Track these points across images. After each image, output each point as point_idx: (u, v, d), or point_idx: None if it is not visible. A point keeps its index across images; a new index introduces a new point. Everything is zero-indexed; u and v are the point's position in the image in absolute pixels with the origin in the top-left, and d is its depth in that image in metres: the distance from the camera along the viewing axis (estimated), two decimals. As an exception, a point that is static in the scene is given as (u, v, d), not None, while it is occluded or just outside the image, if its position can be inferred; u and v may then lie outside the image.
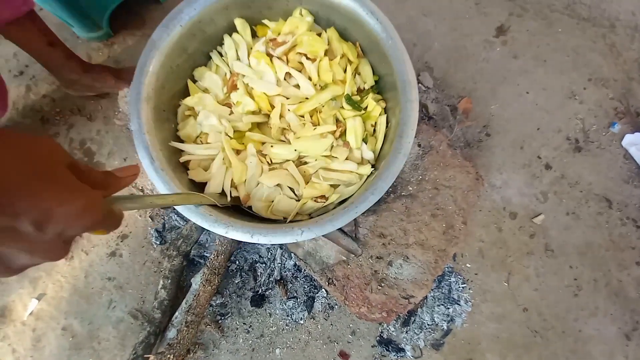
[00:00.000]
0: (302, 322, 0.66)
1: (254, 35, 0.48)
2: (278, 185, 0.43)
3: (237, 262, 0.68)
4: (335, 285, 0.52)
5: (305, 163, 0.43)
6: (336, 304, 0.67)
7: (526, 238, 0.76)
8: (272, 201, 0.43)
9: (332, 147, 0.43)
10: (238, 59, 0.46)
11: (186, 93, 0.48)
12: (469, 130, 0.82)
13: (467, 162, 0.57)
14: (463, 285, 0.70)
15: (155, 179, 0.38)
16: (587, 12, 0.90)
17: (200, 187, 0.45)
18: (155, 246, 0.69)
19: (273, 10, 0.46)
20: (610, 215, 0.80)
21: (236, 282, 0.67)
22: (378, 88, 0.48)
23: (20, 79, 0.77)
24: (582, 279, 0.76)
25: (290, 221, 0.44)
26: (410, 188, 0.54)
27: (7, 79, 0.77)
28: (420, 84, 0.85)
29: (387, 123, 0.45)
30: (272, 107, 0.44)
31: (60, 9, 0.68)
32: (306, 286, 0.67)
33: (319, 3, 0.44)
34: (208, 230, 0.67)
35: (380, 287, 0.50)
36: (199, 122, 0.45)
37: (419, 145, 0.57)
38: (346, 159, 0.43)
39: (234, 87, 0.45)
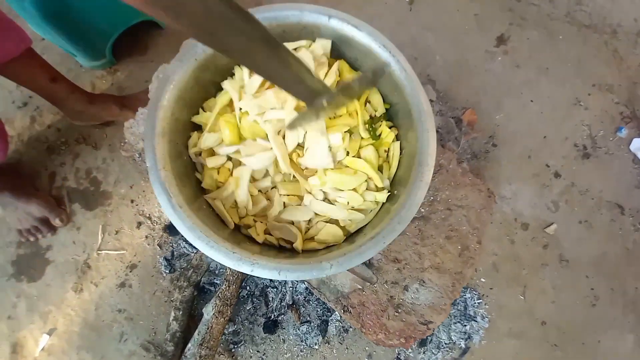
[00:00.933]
0: (316, 347, 0.65)
1: None
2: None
3: (248, 288, 0.67)
4: (350, 312, 0.51)
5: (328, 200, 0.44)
6: (351, 327, 0.65)
7: (540, 249, 0.75)
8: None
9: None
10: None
11: (196, 125, 0.48)
12: (475, 141, 0.82)
13: (478, 179, 0.56)
14: (479, 301, 0.69)
15: (173, 216, 0.37)
16: (588, 19, 0.90)
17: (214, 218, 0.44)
18: (164, 275, 0.68)
19: (287, 42, 0.46)
20: (623, 222, 0.79)
21: (248, 308, 0.66)
22: (388, 115, 0.48)
23: (24, 110, 0.77)
24: (598, 289, 0.75)
25: (308, 251, 0.43)
26: (423, 210, 0.53)
27: (11, 111, 0.77)
28: (423, 98, 0.85)
29: (401, 149, 0.45)
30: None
31: (63, 39, 0.68)
32: (319, 309, 0.66)
33: (330, 35, 0.44)
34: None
35: (397, 314, 0.49)
36: (204, 140, 0.45)
37: (429, 165, 0.57)
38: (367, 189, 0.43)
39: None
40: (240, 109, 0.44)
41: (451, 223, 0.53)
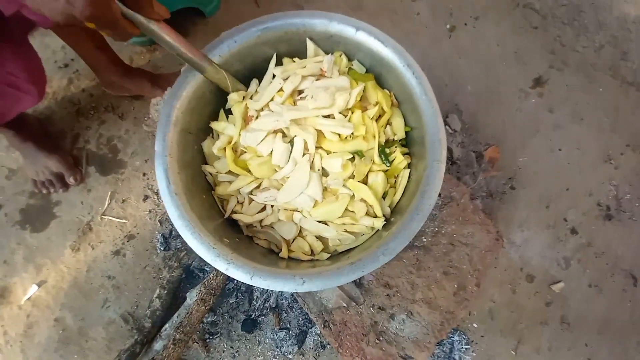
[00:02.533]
0: (290, 356, 0.63)
1: None
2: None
3: (235, 281, 0.67)
4: (330, 329, 0.49)
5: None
6: (329, 344, 0.64)
7: (542, 305, 0.71)
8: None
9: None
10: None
11: (214, 118, 0.49)
12: (493, 180, 0.79)
13: (488, 219, 0.54)
14: (467, 347, 0.66)
15: (167, 202, 0.38)
16: (632, 76, 0.87)
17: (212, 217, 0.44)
18: (159, 251, 0.69)
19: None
20: (634, 293, 0.74)
21: (231, 302, 0.66)
22: (404, 141, 0.47)
23: (64, 71, 0.81)
24: (596, 359, 0.70)
25: (293, 259, 0.42)
26: (425, 239, 0.51)
27: (51, 70, 0.82)
28: (447, 126, 0.83)
29: (409, 178, 0.44)
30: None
31: (112, 12, 0.71)
32: (300, 319, 0.65)
33: (356, 47, 0.44)
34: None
35: (378, 341, 0.48)
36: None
37: (439, 195, 0.55)
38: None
39: (250, 119, 0.44)
40: (241, 147, 0.43)
41: (452, 259, 0.51)
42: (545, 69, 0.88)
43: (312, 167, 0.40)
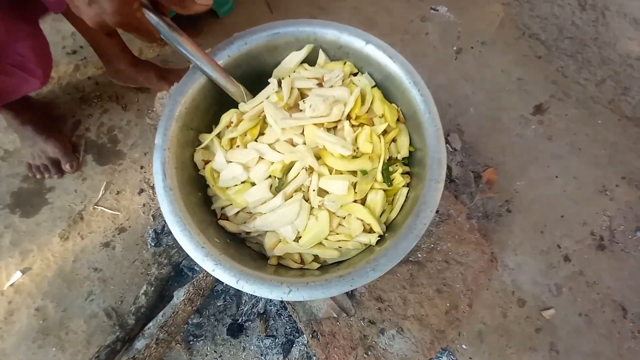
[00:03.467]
0: (275, 365, 0.62)
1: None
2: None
3: (224, 284, 0.65)
4: (318, 340, 0.48)
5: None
6: (315, 355, 0.62)
7: (531, 331, 0.71)
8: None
9: (344, 218, 0.41)
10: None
11: (216, 119, 0.48)
12: (490, 202, 0.80)
13: (483, 239, 0.54)
14: (454, 368, 0.65)
15: (161, 196, 0.38)
16: (631, 111, 0.89)
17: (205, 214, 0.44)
18: (149, 247, 0.68)
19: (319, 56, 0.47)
20: (623, 325, 0.74)
21: (218, 304, 0.64)
22: (407, 160, 0.46)
23: (72, 57, 0.81)
24: (584, 391, 0.69)
25: (282, 266, 0.42)
26: (420, 255, 0.51)
27: (59, 55, 0.82)
28: (448, 145, 0.84)
29: (407, 197, 0.43)
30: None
31: (127, 5, 0.72)
32: (288, 327, 0.63)
33: (365, 60, 0.44)
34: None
35: (366, 356, 0.47)
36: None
37: (437, 212, 0.55)
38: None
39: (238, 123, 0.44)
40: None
41: (446, 277, 0.50)
42: (546, 98, 0.90)
43: (306, 193, 0.39)
